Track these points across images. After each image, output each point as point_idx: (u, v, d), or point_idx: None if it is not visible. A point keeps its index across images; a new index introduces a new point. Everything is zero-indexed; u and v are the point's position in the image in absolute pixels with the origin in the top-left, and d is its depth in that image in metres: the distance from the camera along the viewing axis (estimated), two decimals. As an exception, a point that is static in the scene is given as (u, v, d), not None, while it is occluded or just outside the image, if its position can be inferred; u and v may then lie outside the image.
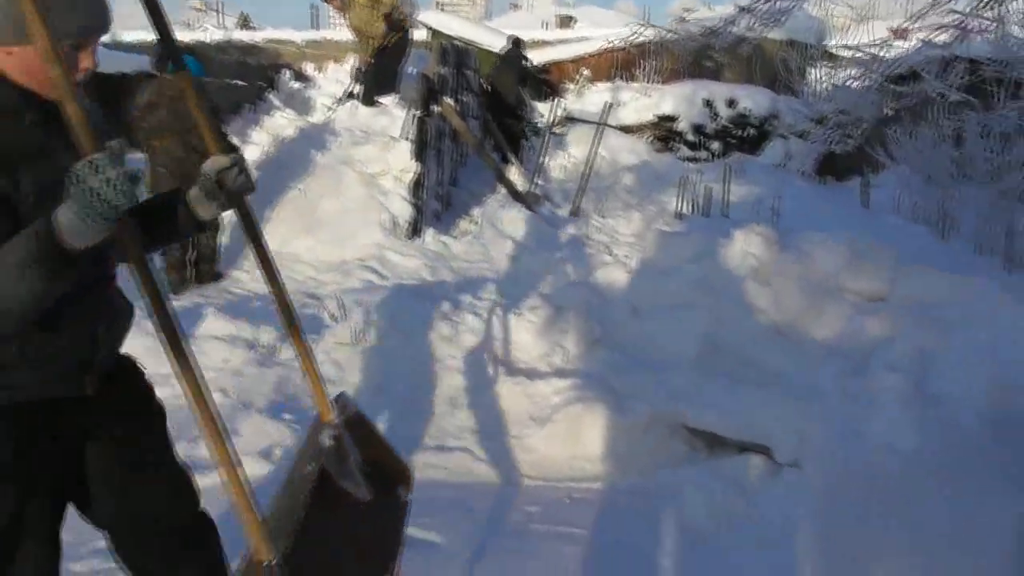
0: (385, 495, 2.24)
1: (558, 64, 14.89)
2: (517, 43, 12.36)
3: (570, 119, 12.87)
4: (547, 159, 11.07)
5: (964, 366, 3.02)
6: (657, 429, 3.82)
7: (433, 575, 2.79)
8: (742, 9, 4.78)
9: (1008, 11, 4.33)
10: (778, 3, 4.56)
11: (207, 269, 6.81)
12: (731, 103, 13.79)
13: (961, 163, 7.39)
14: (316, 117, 9.73)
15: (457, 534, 3.11)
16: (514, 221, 8.53)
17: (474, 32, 14.75)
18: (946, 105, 7.35)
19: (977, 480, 2.33)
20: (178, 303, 6.18)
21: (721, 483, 3.30)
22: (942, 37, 4.36)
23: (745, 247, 4.31)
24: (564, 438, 3.84)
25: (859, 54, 5.15)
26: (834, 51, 13.86)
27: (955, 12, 4.22)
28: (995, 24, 4.30)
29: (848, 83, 5.18)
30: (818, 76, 13.06)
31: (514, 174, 10.10)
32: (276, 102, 10.09)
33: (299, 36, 13.19)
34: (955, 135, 7.69)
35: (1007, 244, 6.88)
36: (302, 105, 10.38)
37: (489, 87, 11.38)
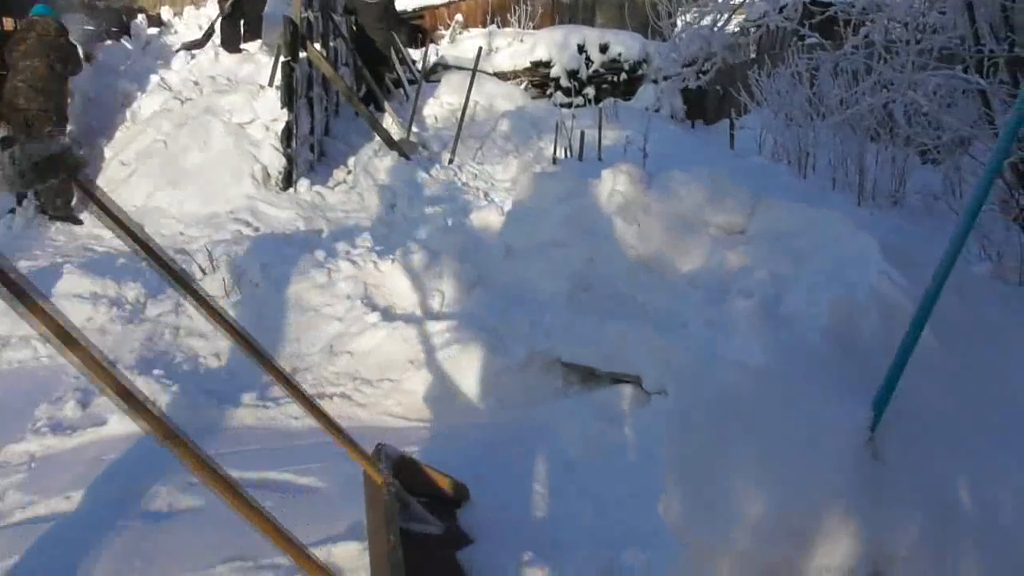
0: (446, 518, 2.58)
1: (431, 9, 14.64)
2: None
3: (444, 66, 12.71)
4: (423, 107, 10.93)
5: (811, 289, 3.23)
6: (533, 366, 3.92)
7: (312, 519, 2.79)
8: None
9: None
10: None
11: (61, 205, 7.06)
12: (604, 48, 13.96)
13: (816, 102, 7.78)
14: (175, 64, 9.23)
15: (336, 478, 3.12)
16: (389, 170, 8.43)
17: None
18: (802, 47, 7.70)
19: (820, 391, 2.51)
20: (35, 263, 5.85)
21: (593, 413, 3.43)
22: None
23: (613, 186, 4.42)
24: (442, 379, 3.90)
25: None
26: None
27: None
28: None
29: (701, 23, 5.35)
30: (686, 20, 13.36)
31: (389, 122, 9.93)
32: (130, 47, 9.49)
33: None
34: (811, 76, 8.07)
35: (859, 179, 7.34)
36: (160, 51, 9.81)
37: (356, 28, 11.02)
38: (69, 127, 7.58)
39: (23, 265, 5.53)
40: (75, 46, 7.62)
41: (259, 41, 9.32)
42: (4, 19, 8.13)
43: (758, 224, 4.29)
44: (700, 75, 5.61)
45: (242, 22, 9.28)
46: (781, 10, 5.11)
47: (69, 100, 7.60)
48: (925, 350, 2.52)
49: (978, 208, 2.10)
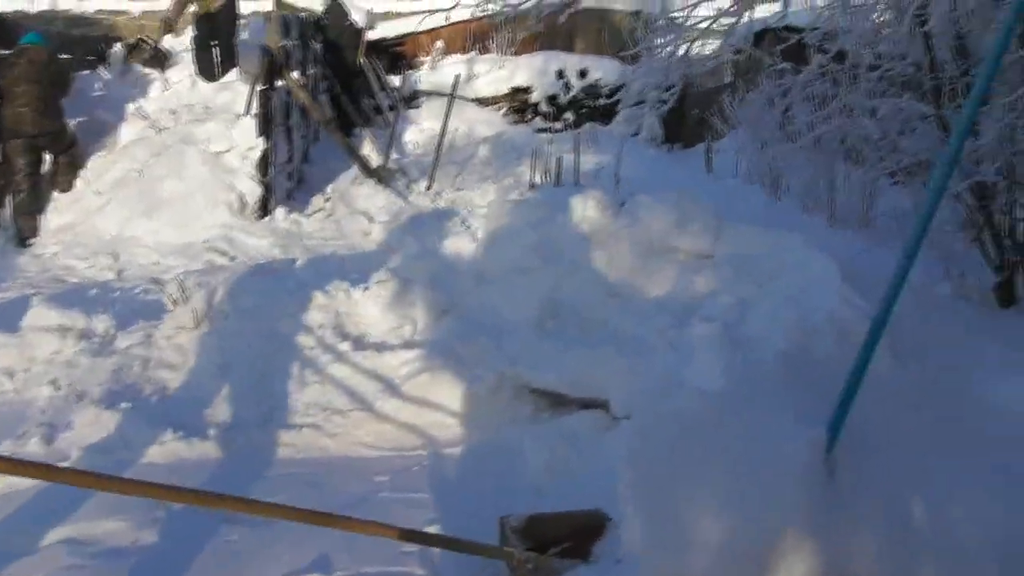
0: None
1: (412, 37, 14.74)
2: None
3: (425, 92, 12.78)
4: (402, 133, 10.99)
5: (772, 312, 3.28)
6: (503, 392, 3.93)
7: (279, 551, 2.79)
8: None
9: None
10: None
11: (27, 223, 7.37)
12: (583, 74, 14.10)
13: (787, 125, 7.89)
14: (151, 92, 9.25)
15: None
16: (367, 197, 8.47)
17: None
18: (773, 72, 7.81)
19: (778, 414, 2.54)
20: (5, 294, 5.82)
21: (560, 439, 3.45)
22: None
23: (583, 212, 4.47)
24: (413, 408, 3.90)
25: (690, 22, 5.39)
26: (679, 21, 14.36)
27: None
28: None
29: (661, 51, 5.44)
30: (663, 45, 13.51)
31: (368, 149, 9.98)
32: (107, 76, 9.49)
33: (135, 6, 12.45)
34: (782, 101, 8.19)
35: (830, 202, 7.43)
36: (136, 80, 9.82)
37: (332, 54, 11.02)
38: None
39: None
40: (68, 68, 7.80)
41: (235, 68, 9.35)
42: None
43: (724, 248, 4.34)
44: (661, 104, 5.68)
45: (216, 50, 9.32)
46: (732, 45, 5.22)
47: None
48: (882, 370, 2.55)
49: (924, 230, 2.14)
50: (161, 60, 9.81)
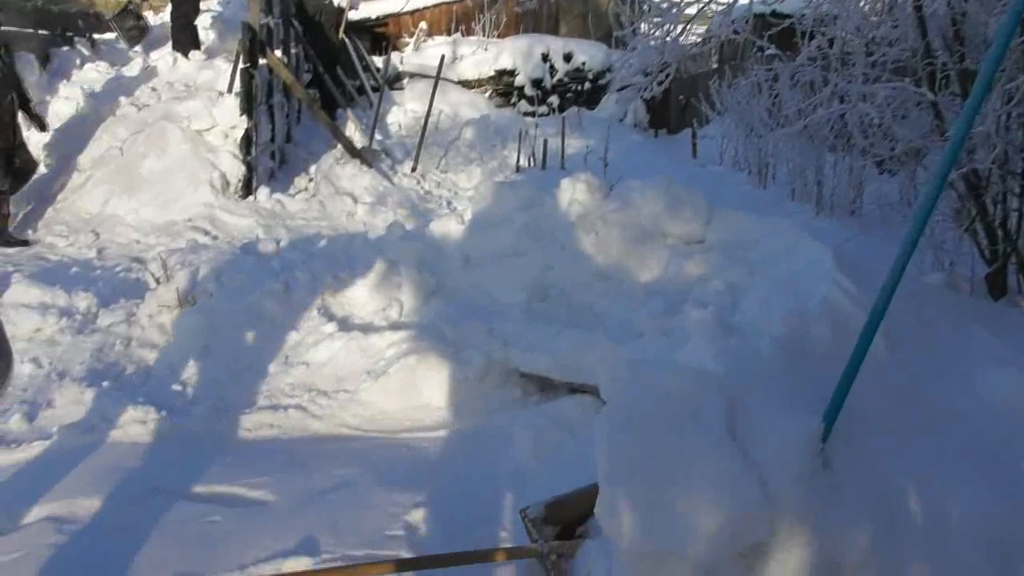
0: None
1: (395, 17, 14.59)
2: None
3: (408, 74, 12.66)
4: (385, 114, 10.88)
5: (764, 299, 3.25)
6: (491, 376, 3.90)
7: (262, 533, 2.74)
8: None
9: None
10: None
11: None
12: (568, 58, 14.04)
13: (775, 112, 7.88)
14: (132, 70, 9.07)
15: (289, 491, 3.06)
16: (351, 178, 8.38)
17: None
18: (761, 58, 7.79)
19: (772, 401, 2.51)
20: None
21: (548, 423, 3.42)
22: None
23: (572, 195, 4.43)
24: (400, 390, 3.85)
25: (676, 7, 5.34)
26: (666, 5, 14.32)
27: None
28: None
29: (654, 34, 5.39)
30: (652, 28, 13.47)
31: (352, 130, 9.86)
32: (86, 52, 9.31)
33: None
34: (770, 87, 8.17)
35: (818, 189, 7.44)
36: (116, 56, 9.64)
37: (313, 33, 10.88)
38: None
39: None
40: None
41: (196, 51, 9.24)
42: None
43: (715, 234, 4.32)
44: (656, 85, 5.62)
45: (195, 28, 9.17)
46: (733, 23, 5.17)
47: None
48: (876, 360, 2.53)
49: (926, 218, 2.11)
50: (143, 31, 9.63)
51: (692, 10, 5.19)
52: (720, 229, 4.41)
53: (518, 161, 9.17)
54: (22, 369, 4.09)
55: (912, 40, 4.20)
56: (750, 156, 9.33)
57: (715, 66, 12.86)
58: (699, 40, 8.93)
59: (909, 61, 4.34)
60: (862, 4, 5.01)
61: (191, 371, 4.05)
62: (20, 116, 6.80)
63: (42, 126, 7.32)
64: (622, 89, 12.70)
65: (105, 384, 3.86)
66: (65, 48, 9.17)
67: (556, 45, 13.99)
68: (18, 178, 6.73)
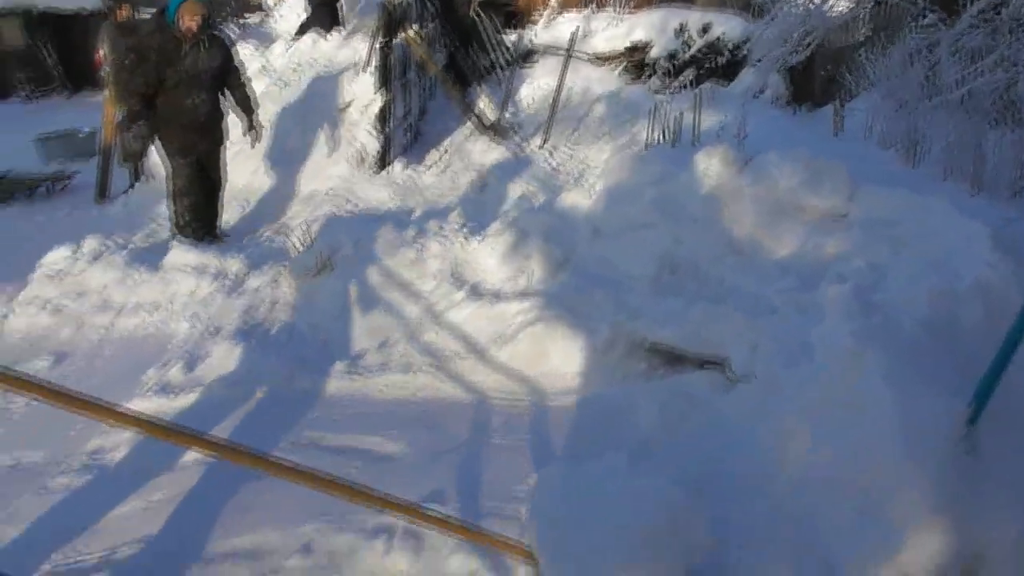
0: None
1: (527, -8, 14.58)
2: None
3: (539, 49, 12.65)
4: (516, 90, 10.94)
5: (911, 278, 3.08)
6: (617, 347, 3.89)
7: (394, 485, 2.86)
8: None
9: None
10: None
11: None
12: (704, 30, 13.61)
13: (929, 85, 7.37)
14: (276, 49, 9.51)
15: (419, 447, 3.19)
16: (482, 152, 8.49)
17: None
18: (917, 25, 7.31)
19: (915, 380, 2.41)
20: (154, 239, 6.17)
21: (675, 397, 3.38)
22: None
23: (705, 168, 4.33)
24: (527, 357, 3.91)
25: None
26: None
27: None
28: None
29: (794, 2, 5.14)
30: None
31: (483, 105, 9.98)
32: (235, 34, 9.82)
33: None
34: (927, 57, 7.66)
35: (975, 168, 6.92)
36: (261, 38, 10.12)
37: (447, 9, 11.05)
38: None
39: (138, 241, 5.88)
40: None
41: (338, 28, 9.58)
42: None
43: (858, 210, 4.13)
44: (797, 54, 5.38)
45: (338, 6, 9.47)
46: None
47: None
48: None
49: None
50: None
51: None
52: (863, 205, 4.21)
53: (649, 137, 9.01)
54: (180, 326, 4.44)
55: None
56: (899, 132, 8.78)
57: (868, 34, 12.16)
58: (847, 8, 8.47)
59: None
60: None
61: (329, 332, 4.26)
62: None
63: None
64: (759, 62, 12.22)
65: (253, 341, 4.11)
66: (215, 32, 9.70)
67: (693, 17, 13.58)
68: None
